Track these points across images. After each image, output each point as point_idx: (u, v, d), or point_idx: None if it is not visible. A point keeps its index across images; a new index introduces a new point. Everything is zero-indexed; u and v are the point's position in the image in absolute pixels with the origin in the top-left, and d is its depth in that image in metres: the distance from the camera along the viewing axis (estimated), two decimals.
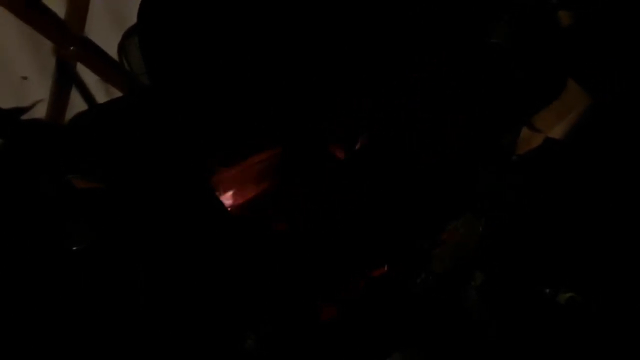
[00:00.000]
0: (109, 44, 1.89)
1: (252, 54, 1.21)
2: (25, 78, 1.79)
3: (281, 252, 1.05)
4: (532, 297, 1.49)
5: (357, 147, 1.42)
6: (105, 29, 1.84)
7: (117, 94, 1.98)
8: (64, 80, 1.85)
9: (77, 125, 1.96)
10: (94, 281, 1.34)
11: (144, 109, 1.31)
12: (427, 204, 1.28)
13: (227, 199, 1.28)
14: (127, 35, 1.92)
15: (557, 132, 1.66)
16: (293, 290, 1.08)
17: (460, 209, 1.29)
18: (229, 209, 1.14)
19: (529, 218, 1.49)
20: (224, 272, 1.02)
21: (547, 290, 1.47)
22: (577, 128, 1.70)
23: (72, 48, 1.78)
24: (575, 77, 1.69)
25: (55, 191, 1.64)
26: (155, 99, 1.21)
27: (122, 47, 1.95)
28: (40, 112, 1.88)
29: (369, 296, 1.17)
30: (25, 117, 1.86)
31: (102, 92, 1.94)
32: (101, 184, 1.53)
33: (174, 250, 1.08)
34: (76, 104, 1.95)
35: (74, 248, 1.47)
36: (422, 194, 1.32)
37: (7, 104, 1.81)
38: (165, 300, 1.02)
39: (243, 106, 1.19)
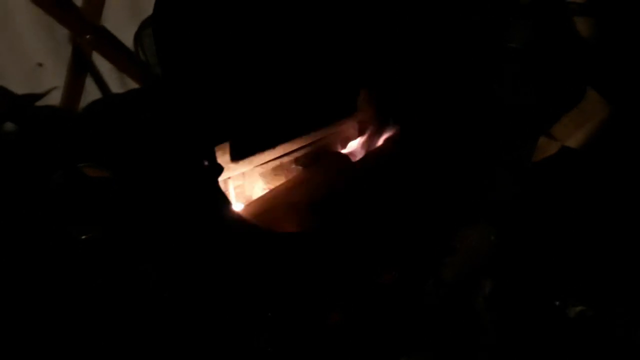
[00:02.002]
0: (125, 34, 1.89)
1: (267, 47, 1.19)
2: (40, 65, 1.79)
3: (291, 254, 1.04)
4: (541, 309, 1.46)
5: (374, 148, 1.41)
6: (122, 19, 1.83)
7: (132, 83, 1.98)
8: (79, 68, 1.85)
9: (91, 113, 1.96)
10: (100, 271, 1.34)
11: (156, 101, 1.30)
12: (439, 210, 1.26)
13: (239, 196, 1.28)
14: (144, 25, 1.91)
15: (573, 141, 1.64)
16: (301, 293, 1.07)
17: (473, 216, 1.26)
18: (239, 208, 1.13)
19: (543, 228, 1.47)
20: (229, 270, 1.01)
21: (557, 303, 1.44)
22: (595, 138, 1.67)
23: (88, 36, 1.77)
24: (595, 86, 1.67)
25: (66, 179, 1.64)
26: (167, 90, 1.20)
27: (138, 37, 1.94)
28: (54, 99, 1.88)
29: (378, 301, 1.15)
30: (39, 103, 1.87)
31: (116, 81, 1.94)
32: (111, 173, 1.53)
33: (182, 245, 1.07)
34: (91, 93, 1.94)
35: (82, 237, 1.47)
36: (435, 200, 1.30)
37: (22, 90, 1.82)
38: (173, 294, 1.01)
39: (255, 100, 1.17)
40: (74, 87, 1.88)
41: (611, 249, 1.47)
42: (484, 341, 1.33)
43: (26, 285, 1.22)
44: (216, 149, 1.11)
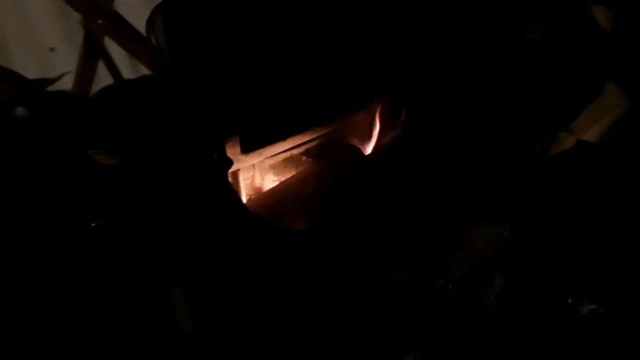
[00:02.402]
0: (138, 19, 1.87)
1: (278, 39, 1.17)
2: (52, 49, 1.78)
3: (297, 250, 1.03)
4: (552, 306, 1.45)
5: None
6: (134, 4, 1.81)
7: (144, 69, 1.96)
8: (91, 54, 1.84)
9: (102, 99, 1.95)
10: (107, 262, 1.34)
11: (165, 91, 1.28)
12: (449, 206, 1.24)
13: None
14: (156, 11, 1.89)
15: (591, 135, 1.60)
16: (306, 289, 1.06)
17: (483, 213, 1.24)
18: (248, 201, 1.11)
19: (555, 224, 1.45)
20: (235, 266, 1.00)
21: (569, 300, 1.43)
22: (613, 132, 1.63)
23: (100, 21, 1.76)
24: (615, 79, 1.62)
25: (77, 167, 1.64)
26: (176, 81, 1.18)
27: (150, 23, 1.92)
28: (66, 84, 1.87)
29: (385, 298, 1.14)
30: (51, 88, 1.86)
31: (128, 66, 1.92)
32: (120, 161, 1.53)
33: (188, 238, 1.06)
34: (103, 78, 1.93)
35: (92, 225, 1.47)
36: (445, 196, 1.28)
37: (34, 74, 1.81)
38: (174, 293, 1.00)
39: (266, 92, 1.16)
40: (85, 72, 1.87)
41: (625, 247, 1.45)
42: (493, 338, 1.32)
43: (33, 276, 1.22)
44: (226, 141, 1.10)
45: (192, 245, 0.96)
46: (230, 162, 0.99)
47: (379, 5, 1.20)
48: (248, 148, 1.14)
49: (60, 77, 1.84)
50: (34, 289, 1.17)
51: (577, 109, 1.59)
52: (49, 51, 1.80)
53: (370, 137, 1.37)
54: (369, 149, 1.37)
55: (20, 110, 1.78)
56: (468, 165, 1.34)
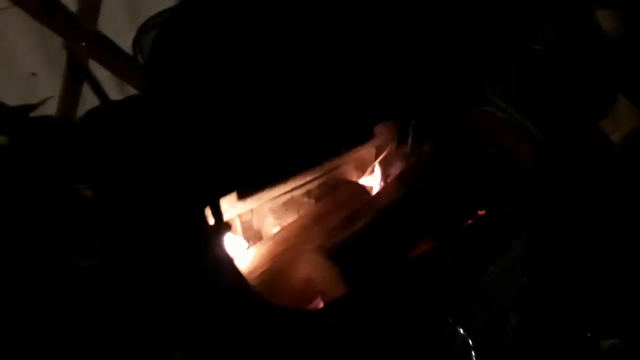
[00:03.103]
0: (123, 39, 1.78)
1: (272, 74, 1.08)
2: (34, 75, 1.69)
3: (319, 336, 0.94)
4: (571, 341, 1.39)
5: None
6: (119, 23, 1.72)
7: (131, 90, 1.88)
8: (75, 77, 1.75)
9: (88, 123, 1.87)
10: (99, 301, 1.26)
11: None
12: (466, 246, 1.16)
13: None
14: (143, 29, 1.80)
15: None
16: None
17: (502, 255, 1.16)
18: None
19: (574, 256, 1.38)
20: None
21: (589, 335, 1.37)
22: (625, 147, 1.57)
23: (83, 44, 1.66)
24: (624, 91, 1.55)
25: (64, 202, 1.56)
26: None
27: (137, 42, 1.83)
28: (51, 109, 1.79)
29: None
30: (34, 114, 1.78)
31: (115, 88, 1.83)
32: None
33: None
34: (88, 100, 1.84)
35: (81, 265, 1.40)
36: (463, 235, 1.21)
37: (15, 101, 1.72)
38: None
39: (263, 131, 1.07)
40: (70, 96, 1.80)
41: None
42: None
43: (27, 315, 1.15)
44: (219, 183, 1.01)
45: (187, 326, 0.87)
46: (228, 228, 0.90)
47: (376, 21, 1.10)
48: (244, 194, 1.05)
49: (43, 102, 1.75)
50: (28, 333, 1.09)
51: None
52: (30, 76, 1.71)
53: (373, 170, 1.28)
54: (374, 184, 1.28)
55: (1, 139, 1.71)
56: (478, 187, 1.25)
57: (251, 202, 1.16)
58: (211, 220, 0.91)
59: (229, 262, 0.83)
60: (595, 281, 1.40)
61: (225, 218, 1.04)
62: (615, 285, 1.40)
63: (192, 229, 0.87)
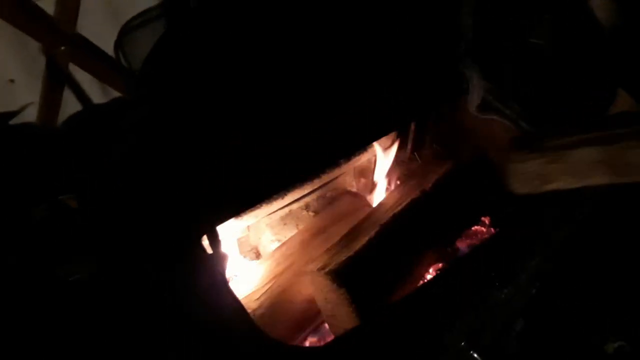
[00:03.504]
0: (104, 41, 1.70)
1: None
2: (12, 81, 1.62)
3: None
4: (577, 345, 1.37)
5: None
6: (100, 25, 1.64)
7: (114, 92, 1.81)
8: (55, 82, 1.67)
9: (71, 129, 1.80)
10: (89, 316, 1.21)
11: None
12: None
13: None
14: (124, 30, 1.73)
15: None
16: None
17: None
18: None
19: (578, 259, 1.35)
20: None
21: (595, 338, 1.35)
22: None
23: (63, 48, 1.59)
24: (627, 88, 1.51)
25: (48, 214, 1.50)
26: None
27: (118, 44, 1.76)
28: (31, 115, 1.72)
29: None
30: (14, 121, 1.71)
31: (97, 92, 1.76)
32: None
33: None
34: (70, 105, 1.77)
35: (70, 279, 1.34)
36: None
37: None
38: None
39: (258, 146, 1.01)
40: (50, 101, 1.72)
41: None
42: None
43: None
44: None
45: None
46: (225, 258, 0.85)
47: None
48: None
49: (23, 109, 1.68)
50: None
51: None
52: (8, 83, 1.64)
53: (373, 179, 1.23)
54: (374, 193, 1.23)
55: None
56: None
57: (248, 219, 1.11)
58: (209, 249, 0.86)
59: (230, 297, 0.78)
60: (598, 284, 1.38)
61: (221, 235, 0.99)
62: (619, 288, 1.38)
63: (188, 257, 0.82)
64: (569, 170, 0.87)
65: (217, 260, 0.83)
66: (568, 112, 1.44)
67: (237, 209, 0.90)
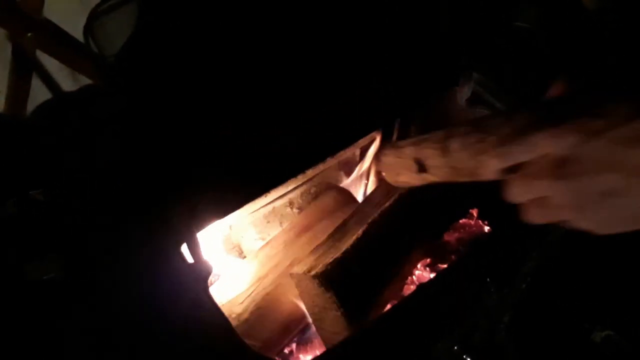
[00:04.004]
0: (73, 25, 1.63)
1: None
2: None
3: None
4: (564, 334, 1.36)
5: None
6: (68, 9, 1.57)
7: (84, 80, 1.74)
8: (23, 69, 1.60)
9: (40, 117, 1.73)
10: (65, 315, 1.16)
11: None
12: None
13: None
14: (93, 15, 1.66)
15: None
16: None
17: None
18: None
19: (567, 249, 1.33)
20: None
21: (583, 327, 1.35)
22: None
23: (29, 34, 1.51)
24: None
25: (18, 211, 1.44)
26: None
27: (88, 29, 1.69)
28: None
29: None
30: None
31: (67, 79, 1.69)
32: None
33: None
34: (39, 94, 1.70)
35: (44, 278, 1.29)
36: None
37: None
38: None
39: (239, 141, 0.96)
40: (18, 90, 1.65)
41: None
42: None
43: None
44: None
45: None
46: (209, 269, 0.80)
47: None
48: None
49: None
50: None
51: None
52: None
53: (358, 172, 1.19)
54: (359, 187, 1.19)
55: None
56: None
57: (229, 218, 1.06)
58: (190, 259, 0.81)
59: (215, 313, 0.74)
60: (586, 273, 1.36)
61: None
62: (606, 277, 1.37)
63: (166, 268, 0.77)
64: (405, 165, 0.89)
65: (199, 272, 0.78)
66: None
67: (221, 212, 0.85)
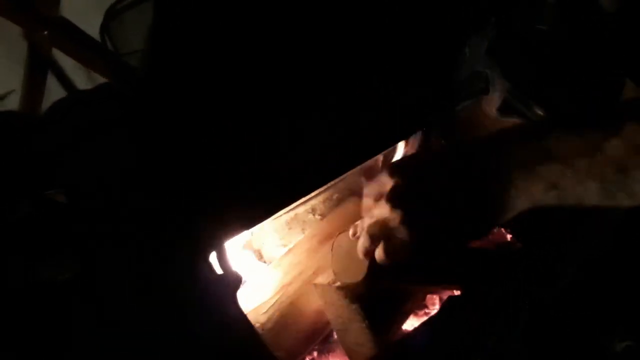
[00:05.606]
0: (89, 24, 1.62)
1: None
2: None
3: None
4: (584, 344, 1.35)
5: None
6: (84, 7, 1.55)
7: (99, 79, 1.72)
8: (38, 68, 1.58)
9: (55, 116, 1.72)
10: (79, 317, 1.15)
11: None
12: None
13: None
14: (110, 13, 1.65)
15: None
16: None
17: None
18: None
19: (586, 257, 1.32)
20: None
21: (603, 337, 1.33)
22: None
23: (45, 32, 1.50)
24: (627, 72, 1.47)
25: (34, 211, 1.43)
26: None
27: (104, 27, 1.68)
28: (13, 103, 1.64)
29: None
30: None
31: (82, 78, 1.68)
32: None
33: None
34: (54, 92, 1.69)
35: (59, 279, 1.28)
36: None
37: None
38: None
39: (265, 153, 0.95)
40: (33, 88, 1.63)
41: None
42: None
43: None
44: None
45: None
46: (239, 280, 0.79)
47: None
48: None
49: (4, 97, 1.60)
50: None
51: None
52: None
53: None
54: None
55: None
56: None
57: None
58: (219, 270, 0.80)
59: (245, 326, 0.72)
60: (606, 283, 1.35)
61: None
62: (628, 287, 1.35)
63: (194, 281, 0.76)
64: None
65: (228, 283, 0.77)
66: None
67: (249, 221, 0.84)
